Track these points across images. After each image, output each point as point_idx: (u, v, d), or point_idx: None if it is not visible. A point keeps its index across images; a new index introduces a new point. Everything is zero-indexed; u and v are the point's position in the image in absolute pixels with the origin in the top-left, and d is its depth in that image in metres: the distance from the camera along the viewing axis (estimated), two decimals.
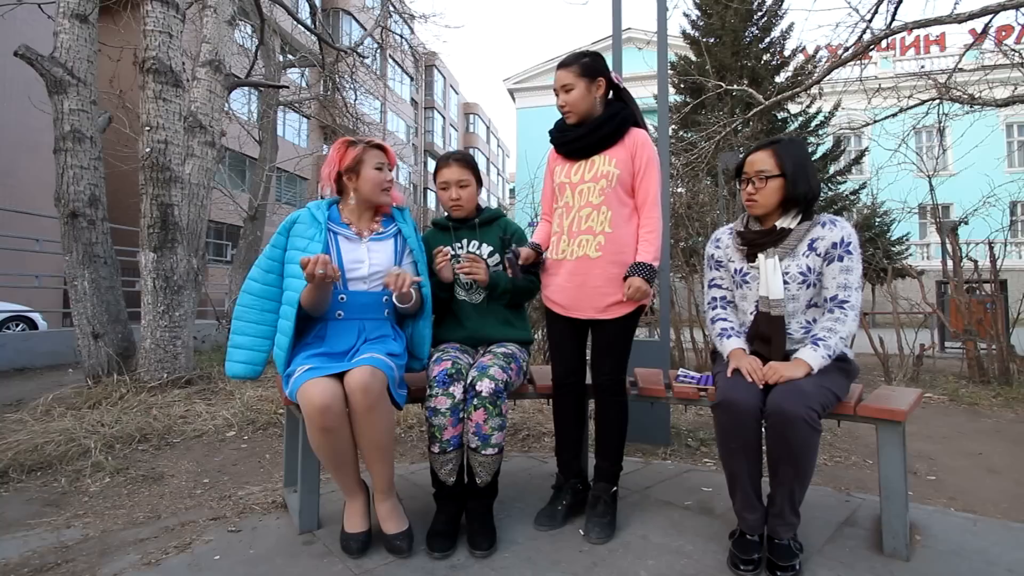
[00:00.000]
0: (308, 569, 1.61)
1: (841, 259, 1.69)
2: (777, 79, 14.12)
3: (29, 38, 4.71)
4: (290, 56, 13.91)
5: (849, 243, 1.69)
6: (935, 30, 18.57)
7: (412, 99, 29.24)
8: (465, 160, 2.08)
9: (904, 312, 5.35)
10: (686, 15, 15.28)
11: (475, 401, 1.70)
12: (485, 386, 1.70)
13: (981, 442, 3.07)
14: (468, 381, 1.75)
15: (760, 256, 1.75)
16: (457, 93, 36.96)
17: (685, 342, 5.25)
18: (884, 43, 8.05)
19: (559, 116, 1.94)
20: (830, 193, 14.70)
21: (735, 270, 1.85)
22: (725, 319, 1.86)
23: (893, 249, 14.85)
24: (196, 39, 4.89)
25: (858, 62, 5.88)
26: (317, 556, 1.68)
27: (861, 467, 2.62)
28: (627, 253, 1.84)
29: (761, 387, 1.60)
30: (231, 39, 4.66)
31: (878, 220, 14.04)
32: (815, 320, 1.74)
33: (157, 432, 2.99)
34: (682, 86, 14.16)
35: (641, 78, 5.10)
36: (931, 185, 5.83)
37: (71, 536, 1.85)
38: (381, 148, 1.91)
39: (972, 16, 4.78)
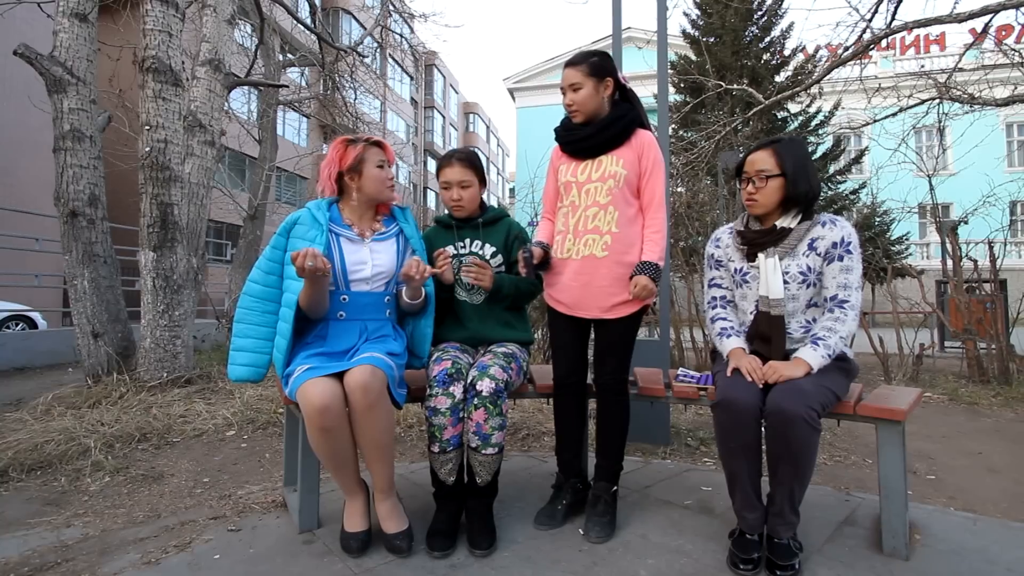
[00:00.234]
0: (308, 568, 1.61)
1: (841, 259, 1.69)
2: (777, 78, 14.11)
3: (29, 37, 4.71)
4: (290, 55, 13.90)
5: (849, 243, 1.69)
6: (935, 30, 18.57)
7: (412, 98, 29.23)
8: (468, 160, 2.04)
9: (904, 311, 5.35)
10: (686, 14, 15.27)
11: (475, 401, 1.70)
12: (485, 386, 1.70)
13: (981, 441, 3.07)
14: (468, 381, 1.75)
15: (760, 256, 1.75)
16: (457, 92, 36.94)
17: (685, 341, 5.26)
18: (884, 42, 8.04)
19: (559, 115, 1.93)
20: (830, 192, 14.70)
21: (735, 269, 1.85)
22: (725, 318, 1.86)
23: (893, 248, 14.86)
24: (196, 38, 4.89)
25: (858, 61, 5.87)
26: (317, 555, 1.68)
27: (861, 466, 2.62)
28: (632, 253, 1.84)
29: (761, 386, 1.60)
30: (231, 38, 4.65)
31: (878, 219, 14.04)
32: (815, 319, 1.74)
33: (157, 431, 2.98)
34: (682, 85, 14.15)
35: (641, 77, 5.09)
36: (931, 185, 5.84)
37: (71, 535, 1.85)
38: (380, 145, 1.90)
39: (972, 16, 4.77)
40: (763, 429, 1.58)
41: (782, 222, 1.73)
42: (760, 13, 14.54)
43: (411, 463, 2.59)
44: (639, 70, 5.84)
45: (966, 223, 5.61)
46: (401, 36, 11.21)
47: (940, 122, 6.08)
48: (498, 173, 41.95)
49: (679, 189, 7.41)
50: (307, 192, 20.85)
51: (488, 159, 38.04)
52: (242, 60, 6.65)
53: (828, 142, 14.68)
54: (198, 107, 4.28)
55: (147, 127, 3.91)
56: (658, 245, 1.84)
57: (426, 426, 1.75)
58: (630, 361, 1.92)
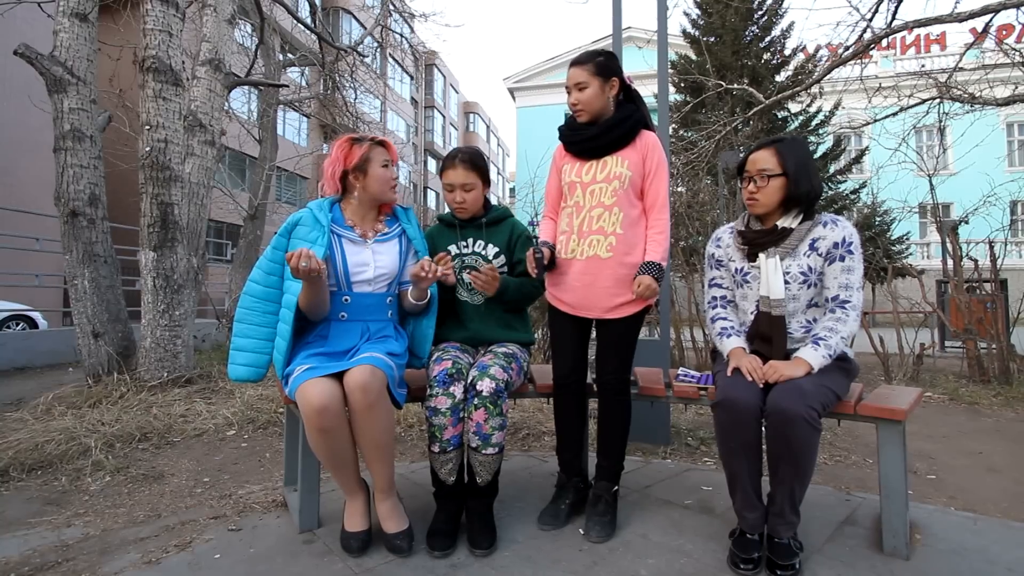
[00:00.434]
0: (308, 568, 1.61)
1: (842, 259, 1.68)
2: (777, 78, 14.10)
3: (29, 37, 4.71)
4: (290, 55, 13.91)
5: (851, 243, 1.68)
6: (935, 29, 18.56)
7: (412, 98, 29.23)
8: (472, 162, 2.00)
9: (904, 311, 5.35)
10: (686, 14, 15.27)
11: (475, 401, 1.70)
12: (486, 386, 1.70)
13: (981, 441, 3.07)
14: (468, 381, 1.75)
15: (761, 256, 1.75)
16: (457, 92, 36.93)
17: (685, 341, 5.25)
18: (884, 42, 8.04)
19: (560, 115, 1.93)
20: (830, 192, 14.69)
21: (736, 269, 1.84)
22: (725, 318, 1.85)
23: (893, 248, 14.85)
24: (196, 38, 4.88)
25: (858, 61, 5.87)
26: (317, 555, 1.68)
27: (861, 466, 2.62)
28: (635, 254, 1.85)
29: (761, 386, 1.60)
30: (231, 38, 4.65)
31: (878, 219, 14.04)
32: (815, 320, 1.74)
33: (157, 431, 2.99)
34: (682, 85, 14.15)
35: (641, 77, 5.08)
36: (931, 184, 5.83)
37: (71, 535, 1.85)
38: (384, 145, 1.89)
39: (972, 15, 4.77)
40: (763, 429, 1.58)
41: (783, 222, 1.73)
42: (760, 13, 14.54)
43: (411, 463, 2.59)
44: (639, 70, 5.82)
45: (966, 223, 5.60)
46: (401, 36, 11.20)
47: (940, 122, 6.08)
48: (498, 173, 41.91)
49: (679, 189, 7.41)
50: (307, 192, 20.85)
51: (488, 159, 37.92)
52: (242, 60, 6.65)
53: (828, 142, 14.69)
54: (198, 107, 4.28)
55: (147, 127, 3.91)
56: (661, 246, 1.84)
57: (426, 426, 1.75)
58: (632, 360, 1.92)
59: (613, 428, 1.90)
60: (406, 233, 1.94)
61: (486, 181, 2.05)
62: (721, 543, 1.71)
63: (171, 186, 3.95)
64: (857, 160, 15.40)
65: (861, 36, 5.52)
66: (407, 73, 27.04)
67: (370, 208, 1.89)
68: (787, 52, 14.63)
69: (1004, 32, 14.99)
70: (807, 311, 1.74)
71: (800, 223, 1.72)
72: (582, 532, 1.81)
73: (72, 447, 2.64)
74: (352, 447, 1.67)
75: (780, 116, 14.27)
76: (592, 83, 1.82)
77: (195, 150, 4.23)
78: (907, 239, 15.89)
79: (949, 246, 5.23)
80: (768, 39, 14.56)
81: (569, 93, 1.86)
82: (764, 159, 1.72)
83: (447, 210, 2.13)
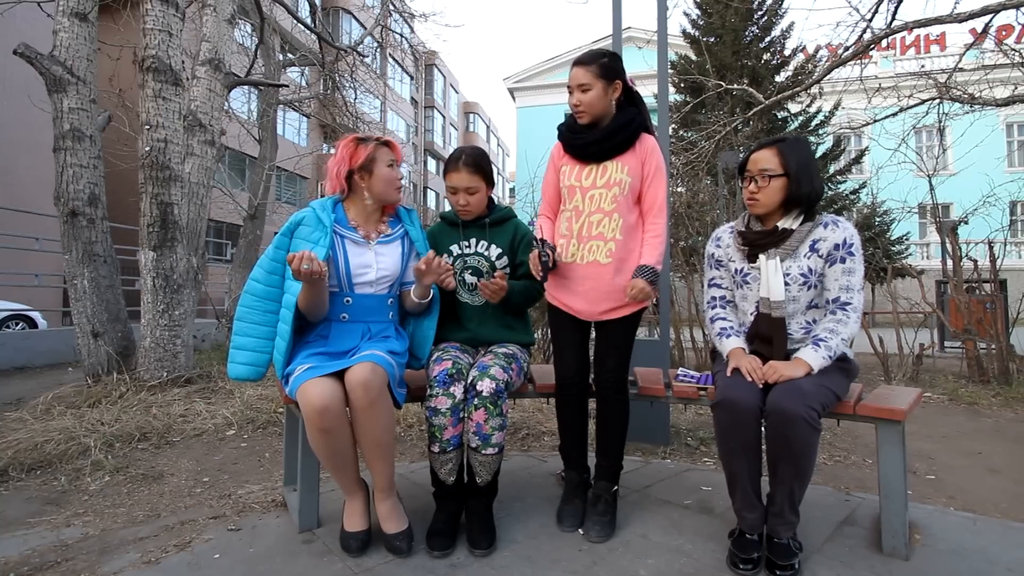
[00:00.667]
0: (308, 568, 1.61)
1: (843, 260, 1.68)
2: (777, 78, 14.11)
3: (28, 36, 4.70)
4: (290, 55, 13.91)
5: (851, 244, 1.68)
6: (935, 30, 18.56)
7: (412, 98, 29.23)
8: (475, 164, 1.97)
9: (904, 311, 5.35)
10: (686, 14, 15.28)
11: (475, 401, 1.70)
12: (486, 386, 1.70)
13: (981, 441, 3.07)
14: (468, 381, 1.74)
15: (761, 257, 1.74)
16: (457, 92, 36.93)
17: (685, 341, 5.26)
18: (884, 42, 8.05)
19: (559, 115, 1.92)
20: (830, 192, 14.70)
21: (736, 270, 1.84)
22: (724, 318, 1.85)
23: (893, 248, 14.87)
24: (196, 38, 4.88)
25: (858, 61, 5.87)
26: (317, 555, 1.68)
27: (861, 466, 2.62)
28: (633, 259, 1.85)
29: (761, 386, 1.60)
30: (231, 38, 4.65)
31: (878, 219, 14.06)
32: (815, 320, 1.73)
33: (157, 431, 2.98)
34: (682, 85, 14.16)
35: (641, 77, 5.08)
36: (931, 185, 5.84)
37: (71, 534, 1.85)
38: (389, 145, 1.88)
39: (972, 16, 4.77)
40: (763, 429, 1.58)
41: (784, 223, 1.72)
42: (760, 13, 14.55)
43: (411, 463, 2.59)
44: (639, 70, 5.82)
45: (966, 223, 5.60)
46: (401, 36, 11.20)
47: (940, 122, 6.08)
48: (498, 173, 41.93)
49: (679, 189, 7.41)
50: (307, 192, 20.85)
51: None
52: (242, 60, 6.64)
53: (828, 142, 14.69)
54: (198, 107, 4.28)
55: (147, 126, 3.90)
56: (656, 249, 1.83)
57: (426, 426, 1.74)
58: (630, 359, 1.92)
59: (612, 427, 1.90)
60: (408, 235, 1.93)
61: (490, 182, 2.02)
62: (720, 543, 1.71)
63: (171, 186, 3.95)
64: (857, 160, 15.40)
65: (861, 36, 5.53)
66: (407, 73, 27.04)
67: (374, 208, 1.88)
68: (787, 52, 14.64)
69: (1004, 32, 15.00)
70: (807, 312, 1.74)
71: (801, 224, 1.71)
72: (582, 532, 1.81)
73: (71, 447, 2.64)
74: (353, 447, 1.67)
75: (780, 116, 14.28)
76: (595, 85, 1.80)
77: (195, 150, 4.23)
78: (907, 239, 15.90)
79: (949, 246, 5.23)
80: (768, 39, 14.57)
81: (571, 93, 1.84)
82: (766, 159, 1.71)
83: (448, 208, 2.12)
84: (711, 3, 14.39)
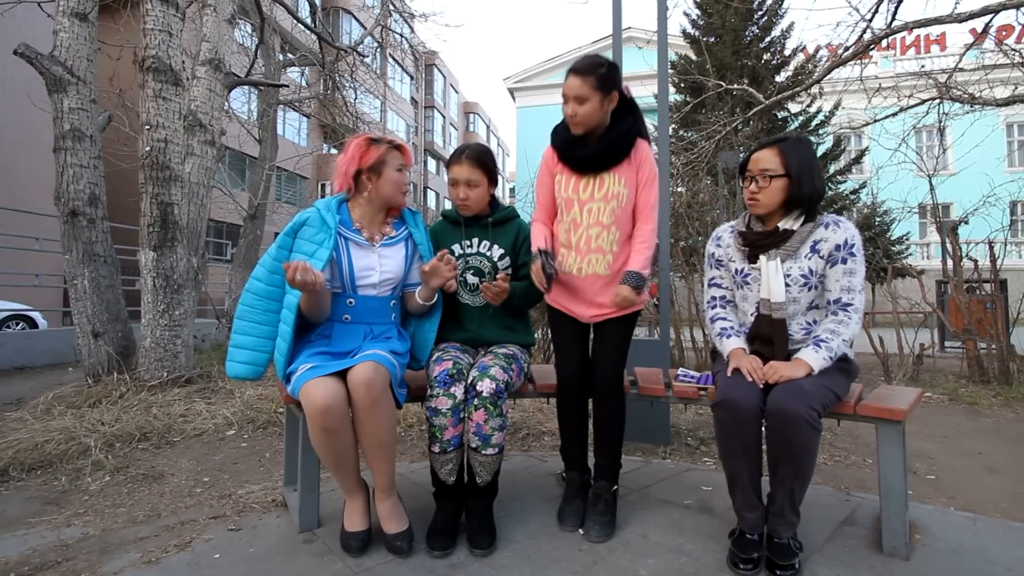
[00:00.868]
0: (308, 568, 1.61)
1: (844, 261, 1.67)
2: (777, 78, 14.10)
3: (29, 36, 4.71)
4: (290, 55, 13.90)
5: (853, 245, 1.67)
6: (935, 30, 18.56)
7: (412, 98, 29.22)
8: (478, 159, 1.97)
9: (904, 311, 5.35)
10: (686, 14, 15.28)
11: (476, 401, 1.70)
12: (486, 386, 1.70)
13: (981, 441, 3.07)
14: (469, 381, 1.74)
15: (762, 258, 1.74)
16: (457, 92, 36.93)
17: (685, 341, 5.25)
18: (884, 43, 8.05)
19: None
20: (830, 193, 14.70)
21: (736, 270, 1.84)
22: (724, 318, 1.85)
23: (893, 248, 14.86)
24: (196, 38, 4.88)
25: (858, 61, 5.87)
26: (317, 555, 1.68)
27: (861, 466, 2.62)
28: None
29: (761, 387, 1.60)
30: (231, 38, 4.65)
31: (878, 219, 14.06)
32: (816, 321, 1.73)
33: (157, 431, 2.98)
34: (682, 85, 14.16)
35: (641, 77, 5.09)
36: (931, 184, 5.84)
37: (71, 534, 1.85)
38: (400, 149, 1.87)
39: (972, 16, 4.77)
40: (763, 429, 1.58)
41: (784, 223, 1.72)
42: (760, 13, 14.54)
43: (411, 463, 2.59)
44: (639, 70, 5.85)
45: (966, 223, 5.61)
46: (401, 36, 11.20)
47: (940, 122, 6.08)
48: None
49: (679, 189, 7.41)
50: (307, 192, 20.84)
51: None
52: (242, 60, 6.64)
53: (828, 142, 14.69)
54: (198, 107, 4.28)
55: (147, 127, 3.90)
56: (643, 254, 1.83)
57: (427, 426, 1.74)
58: (626, 357, 1.93)
59: (610, 425, 1.90)
60: (412, 237, 1.93)
61: (492, 180, 2.01)
62: (721, 543, 1.71)
63: (171, 186, 3.95)
64: (857, 160, 15.40)
65: (861, 36, 5.53)
66: (407, 73, 27.03)
67: (379, 210, 1.87)
68: (787, 52, 14.64)
69: (1004, 33, 14.99)
70: (807, 313, 1.73)
71: (802, 224, 1.70)
72: (582, 532, 1.81)
73: (72, 447, 2.64)
74: (354, 447, 1.67)
75: (780, 116, 14.28)
76: (593, 97, 1.76)
77: (195, 150, 4.23)
78: (907, 239, 15.89)
79: (949, 246, 5.23)
80: (768, 39, 14.57)
81: (566, 101, 1.79)
82: (767, 159, 1.70)
83: (450, 204, 2.11)
84: (711, 3, 14.38)
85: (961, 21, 4.76)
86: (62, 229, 3.96)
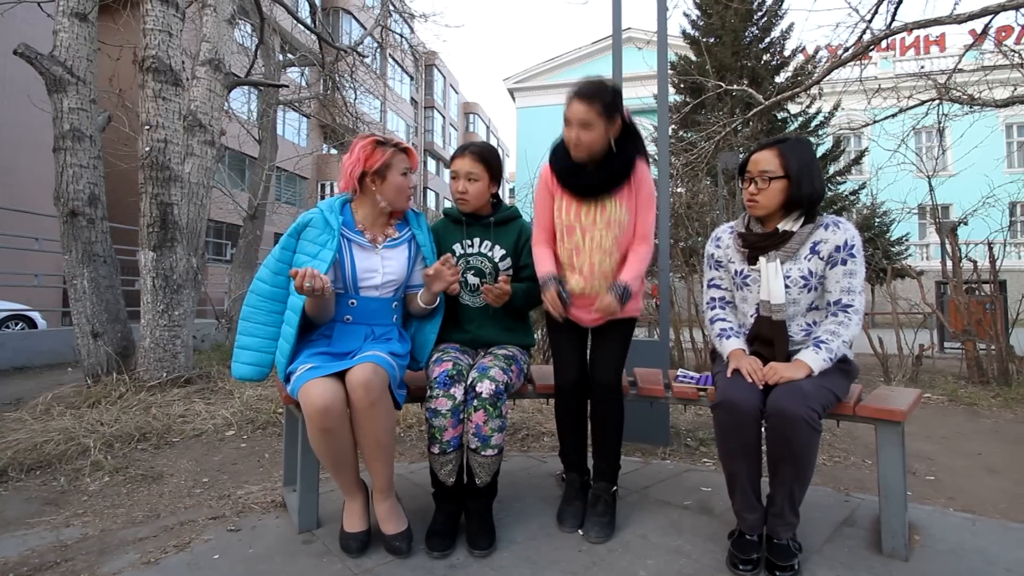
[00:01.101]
0: (307, 568, 1.61)
1: (844, 262, 1.67)
2: (777, 79, 14.12)
3: (29, 36, 4.70)
4: (290, 55, 13.90)
5: (852, 246, 1.67)
6: (935, 30, 18.58)
7: (412, 98, 29.23)
8: (481, 154, 1.96)
9: (903, 312, 5.35)
10: (686, 15, 15.29)
11: (475, 402, 1.70)
12: (485, 387, 1.70)
13: (980, 442, 3.07)
14: (468, 382, 1.74)
15: (761, 259, 1.73)
16: (457, 92, 36.94)
17: (685, 342, 5.25)
18: (884, 43, 8.05)
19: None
20: (830, 193, 14.71)
21: (735, 271, 1.84)
22: (724, 319, 1.85)
23: (893, 249, 14.86)
24: (196, 38, 4.88)
25: (858, 62, 5.87)
26: (316, 555, 1.68)
27: (860, 467, 2.62)
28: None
29: (761, 387, 1.60)
30: (231, 38, 4.65)
31: (878, 220, 14.07)
32: (816, 322, 1.73)
33: (156, 431, 2.98)
34: (682, 86, 14.16)
35: (641, 78, 5.09)
36: (931, 185, 5.84)
37: (70, 535, 1.85)
38: (407, 152, 1.86)
39: (972, 17, 4.77)
40: (763, 430, 1.58)
41: (784, 225, 1.72)
42: (760, 14, 14.56)
43: (411, 463, 2.59)
44: (639, 70, 5.84)
45: (966, 224, 5.61)
46: (401, 36, 11.20)
47: (940, 123, 6.08)
48: None
49: (679, 190, 7.41)
50: (307, 192, 20.84)
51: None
52: (242, 60, 6.64)
53: (828, 143, 14.70)
54: (198, 107, 4.28)
55: (147, 127, 3.90)
56: (634, 269, 1.84)
57: (426, 427, 1.74)
58: (624, 359, 1.93)
59: (608, 427, 1.90)
60: (416, 239, 1.92)
61: (494, 178, 2.00)
62: (720, 544, 1.71)
63: (171, 186, 3.95)
64: (856, 161, 15.42)
65: (861, 37, 5.53)
66: (407, 73, 27.04)
67: (382, 212, 1.87)
68: (787, 53, 14.65)
69: (1003, 34, 15.01)
70: (807, 314, 1.73)
71: (801, 226, 1.70)
72: (581, 533, 1.81)
73: (71, 447, 2.63)
74: (353, 448, 1.67)
75: (780, 117, 14.29)
76: (598, 124, 1.75)
77: (195, 150, 4.23)
78: (906, 240, 15.90)
79: (948, 247, 5.23)
80: (768, 40, 14.58)
81: (568, 125, 1.78)
82: (766, 160, 1.70)
83: (449, 204, 2.11)
84: (711, 4, 14.40)
85: (961, 22, 4.76)
86: (62, 229, 3.96)
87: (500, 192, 2.12)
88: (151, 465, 2.57)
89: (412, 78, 28.34)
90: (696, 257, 5.60)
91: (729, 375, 1.68)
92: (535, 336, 4.48)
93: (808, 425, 1.47)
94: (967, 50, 6.06)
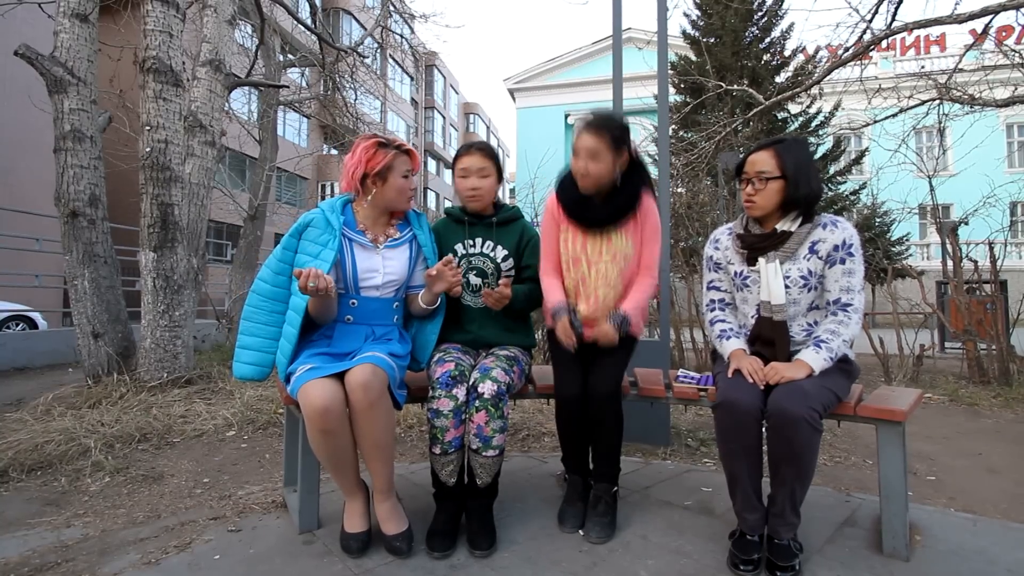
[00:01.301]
0: (308, 569, 1.61)
1: (843, 261, 1.67)
2: (777, 79, 14.11)
3: (29, 37, 4.70)
4: (290, 56, 13.90)
5: (851, 245, 1.67)
6: (935, 30, 18.57)
7: (412, 99, 29.23)
8: (488, 151, 1.99)
9: (904, 312, 5.35)
10: (686, 15, 15.28)
11: (477, 403, 1.70)
12: (487, 388, 1.70)
13: (981, 442, 3.07)
14: (470, 383, 1.74)
15: (760, 260, 1.74)
16: (457, 93, 36.95)
17: (685, 342, 5.25)
18: (884, 43, 8.05)
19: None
20: (830, 193, 14.71)
21: (735, 273, 1.84)
22: (724, 320, 1.85)
23: (893, 249, 14.86)
24: (196, 39, 4.88)
25: (858, 62, 5.88)
26: (317, 556, 1.68)
27: (861, 467, 2.62)
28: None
29: (762, 388, 1.60)
30: (231, 39, 4.65)
31: (878, 220, 14.06)
32: (816, 322, 1.73)
33: (157, 432, 2.98)
34: (682, 86, 14.16)
35: (641, 78, 5.09)
36: (931, 185, 5.84)
37: (71, 535, 1.85)
38: (409, 154, 1.86)
39: (972, 16, 4.78)
40: (764, 430, 1.58)
41: (782, 225, 1.72)
42: (760, 14, 14.55)
43: (411, 463, 2.59)
44: (639, 70, 5.84)
45: (966, 224, 5.61)
46: (401, 36, 11.20)
47: (940, 123, 6.08)
48: None
49: (679, 190, 7.41)
50: (307, 192, 20.85)
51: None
52: (242, 60, 6.65)
53: (828, 143, 14.69)
54: (198, 107, 4.28)
55: (147, 127, 3.91)
56: (636, 299, 1.87)
57: (427, 427, 1.74)
58: (624, 370, 1.93)
59: (608, 434, 1.89)
60: (417, 239, 1.92)
61: (499, 175, 2.02)
62: (721, 544, 1.71)
63: (171, 187, 3.95)
64: (857, 161, 15.41)
65: (861, 37, 5.53)
66: (407, 74, 27.04)
67: (382, 213, 1.87)
68: (787, 53, 14.65)
69: (1004, 33, 15.01)
70: (808, 314, 1.73)
71: (800, 226, 1.70)
72: (582, 533, 1.81)
73: (72, 448, 2.63)
74: (353, 448, 1.67)
75: (780, 117, 14.28)
76: (607, 156, 1.78)
77: (195, 151, 4.23)
78: (907, 240, 15.90)
79: (949, 247, 5.23)
80: (768, 40, 14.57)
81: (575, 155, 1.81)
82: (763, 161, 1.70)
83: (450, 204, 2.11)
84: (711, 4, 14.39)
85: (961, 22, 4.76)
86: (62, 230, 3.96)
87: (500, 192, 2.12)
88: (152, 465, 2.57)
89: (412, 78, 28.35)
90: (696, 257, 5.60)
91: (730, 375, 1.68)
92: (536, 336, 4.48)
93: (809, 425, 1.47)
94: (967, 50, 6.06)
